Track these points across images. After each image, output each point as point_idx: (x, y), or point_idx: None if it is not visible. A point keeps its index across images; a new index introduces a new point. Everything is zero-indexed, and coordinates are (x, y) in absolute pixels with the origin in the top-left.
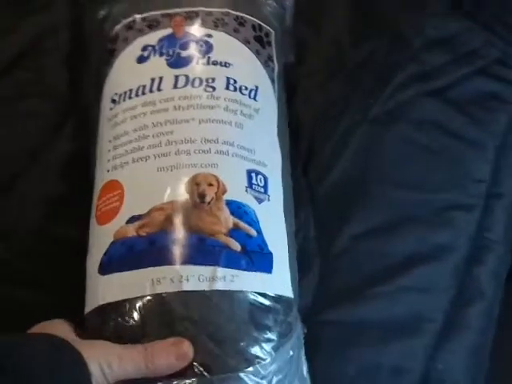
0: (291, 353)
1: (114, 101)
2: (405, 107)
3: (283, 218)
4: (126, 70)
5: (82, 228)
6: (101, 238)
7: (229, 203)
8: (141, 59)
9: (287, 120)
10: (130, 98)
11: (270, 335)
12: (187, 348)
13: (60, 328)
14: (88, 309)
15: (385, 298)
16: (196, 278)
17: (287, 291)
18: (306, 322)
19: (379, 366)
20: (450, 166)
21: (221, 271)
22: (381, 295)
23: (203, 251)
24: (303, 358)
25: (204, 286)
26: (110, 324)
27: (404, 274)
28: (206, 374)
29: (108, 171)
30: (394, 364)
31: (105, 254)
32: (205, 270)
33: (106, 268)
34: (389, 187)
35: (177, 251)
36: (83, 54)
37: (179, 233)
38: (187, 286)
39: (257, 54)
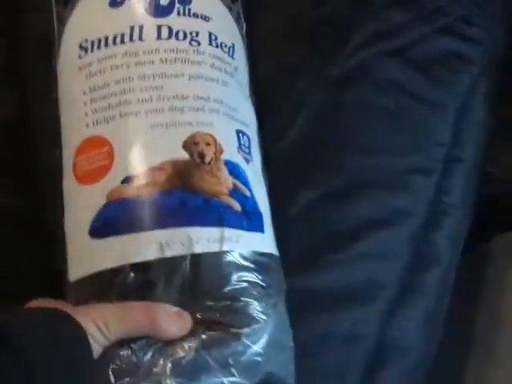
0: (283, 309)
1: (83, 48)
2: (365, 67)
3: (262, 178)
4: (97, 14)
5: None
6: (87, 198)
7: (226, 163)
8: (114, 3)
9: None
10: (106, 45)
11: (270, 291)
12: (188, 322)
13: (49, 302)
14: (77, 276)
15: (340, 265)
16: (206, 240)
17: (275, 250)
18: None
19: (332, 334)
20: (411, 129)
21: (227, 232)
22: (336, 262)
23: (210, 212)
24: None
25: (214, 248)
26: (108, 290)
27: (360, 240)
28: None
29: (88, 126)
30: (348, 331)
31: (97, 216)
32: (213, 232)
33: (100, 231)
34: (348, 151)
35: (184, 213)
36: None
37: (183, 194)
38: (198, 249)
39: (229, 9)
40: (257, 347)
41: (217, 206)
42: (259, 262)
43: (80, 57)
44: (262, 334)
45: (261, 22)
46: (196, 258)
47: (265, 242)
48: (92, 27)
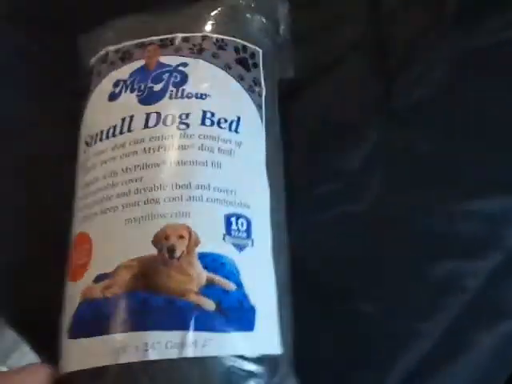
0: None
1: (86, 143)
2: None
3: (271, 263)
4: (99, 109)
5: None
6: (71, 296)
7: (202, 256)
8: (112, 96)
9: (281, 142)
10: (100, 140)
11: None
12: None
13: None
14: (60, 371)
15: None
16: (163, 345)
17: (274, 348)
18: None
19: None
20: None
21: (191, 335)
22: None
23: (171, 314)
24: None
25: (172, 354)
26: None
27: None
28: None
29: (79, 222)
30: None
31: (73, 315)
32: (173, 336)
33: (74, 331)
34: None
35: (143, 315)
36: None
37: (147, 294)
38: (153, 355)
39: (239, 79)
40: None
41: (181, 306)
42: (238, 370)
43: (84, 152)
44: None
45: None
46: (152, 366)
47: (252, 342)
48: (94, 122)
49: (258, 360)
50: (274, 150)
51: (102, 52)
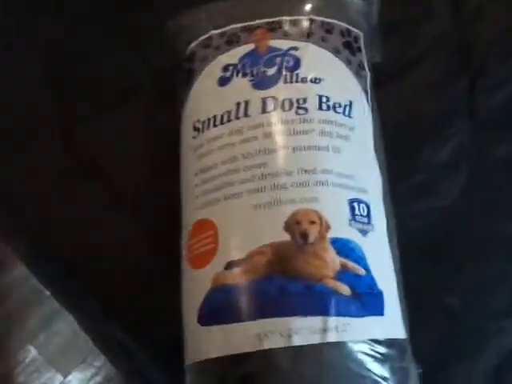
0: None
1: (197, 129)
2: None
3: (389, 248)
4: (208, 94)
5: None
6: (196, 283)
7: (333, 241)
8: (223, 81)
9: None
10: (214, 125)
11: None
12: None
13: None
14: (189, 361)
15: None
16: (306, 331)
17: (401, 332)
18: None
19: None
20: None
21: (332, 321)
22: None
23: (312, 299)
24: None
25: (315, 339)
26: (213, 379)
27: None
28: None
29: (198, 209)
30: None
31: (203, 302)
32: (315, 321)
33: (206, 319)
34: None
35: (283, 301)
36: None
37: (284, 280)
38: (297, 341)
39: (348, 63)
40: None
41: (320, 292)
42: (374, 353)
43: (194, 138)
44: None
45: None
46: (297, 351)
47: (383, 326)
48: (203, 107)
49: (390, 344)
50: (378, 136)
51: (206, 36)
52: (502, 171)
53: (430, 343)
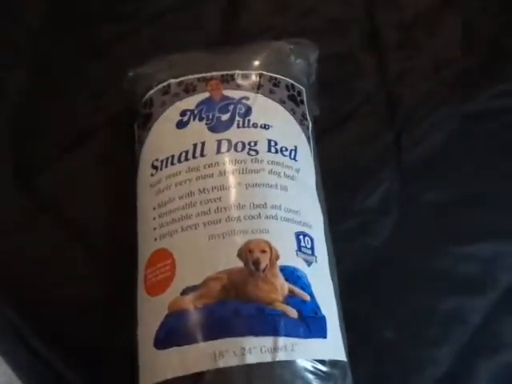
0: None
1: (155, 167)
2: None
3: (330, 279)
4: (166, 136)
5: None
6: (153, 309)
7: (282, 269)
8: (180, 124)
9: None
10: (172, 163)
11: None
12: None
13: None
14: None
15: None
16: (258, 350)
17: (342, 355)
18: None
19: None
20: None
21: (282, 341)
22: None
23: (263, 321)
24: None
25: (267, 358)
26: None
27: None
28: None
29: (155, 240)
30: None
31: (160, 327)
32: (266, 341)
33: (162, 342)
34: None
35: (237, 322)
36: None
37: (238, 303)
38: (250, 359)
39: (292, 113)
40: None
41: (270, 314)
42: (319, 371)
43: (152, 175)
44: None
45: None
46: (249, 369)
47: (327, 348)
48: (161, 147)
49: (332, 364)
50: (319, 181)
51: (164, 84)
52: (429, 214)
53: (368, 371)
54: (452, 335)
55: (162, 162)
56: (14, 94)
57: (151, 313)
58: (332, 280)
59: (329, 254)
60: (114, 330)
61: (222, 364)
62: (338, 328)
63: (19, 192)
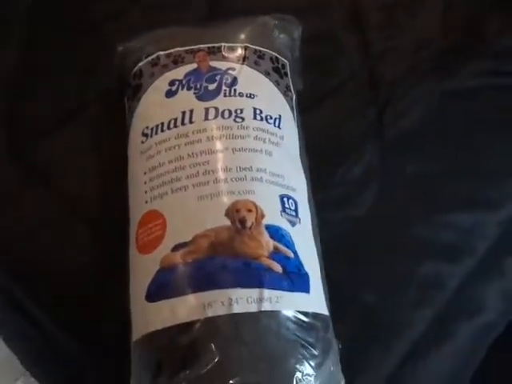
0: (331, 368)
1: (145, 134)
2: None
3: (313, 240)
4: (156, 105)
5: None
6: (145, 266)
7: (267, 227)
8: (169, 93)
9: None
10: (162, 130)
11: (313, 352)
12: None
13: None
14: (136, 336)
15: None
16: (245, 300)
17: (324, 309)
18: None
19: None
20: None
21: (267, 293)
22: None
23: (249, 274)
24: (340, 373)
25: (252, 308)
26: (160, 350)
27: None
28: None
29: (146, 202)
30: None
31: (152, 281)
32: (252, 292)
33: (154, 295)
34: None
35: (224, 275)
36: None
37: (225, 258)
38: (237, 309)
39: (277, 84)
40: None
41: (256, 268)
42: (302, 322)
43: (142, 142)
44: None
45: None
46: (236, 319)
47: (309, 301)
48: (152, 116)
49: (315, 317)
50: (303, 151)
51: (153, 56)
52: (409, 186)
53: (350, 331)
54: (430, 299)
55: (151, 129)
56: (4, 68)
57: (143, 270)
58: (315, 242)
59: (312, 219)
60: (105, 290)
61: (210, 313)
62: (321, 285)
63: (13, 164)
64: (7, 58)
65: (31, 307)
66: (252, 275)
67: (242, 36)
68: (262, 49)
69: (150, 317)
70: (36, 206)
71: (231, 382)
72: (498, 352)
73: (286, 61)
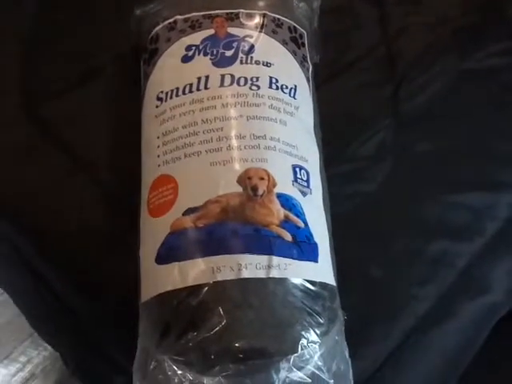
0: (336, 338)
1: (160, 98)
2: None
3: (323, 211)
4: (172, 69)
5: None
6: (155, 229)
7: (279, 196)
8: (185, 59)
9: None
10: (177, 95)
11: (319, 320)
12: None
13: None
14: (145, 298)
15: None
16: (254, 266)
17: (331, 280)
18: None
19: None
20: None
21: (276, 260)
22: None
23: (259, 241)
24: (345, 343)
25: (261, 274)
26: (169, 311)
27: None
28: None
29: (159, 166)
30: None
31: (162, 244)
32: (261, 259)
33: (164, 258)
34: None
35: (234, 241)
36: None
37: (236, 224)
38: (246, 274)
39: (294, 54)
40: (302, 374)
41: (266, 235)
42: (309, 291)
43: (157, 106)
44: (308, 362)
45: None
46: (244, 284)
47: (317, 271)
48: (167, 80)
49: (322, 286)
50: (316, 123)
51: (171, 20)
52: (422, 163)
53: (355, 305)
54: (437, 276)
55: (166, 93)
56: (22, 29)
57: (154, 233)
58: (325, 214)
59: (323, 191)
60: (115, 253)
61: (219, 277)
62: (329, 256)
63: (27, 122)
64: (22, 20)
65: (41, 265)
66: (262, 242)
67: (261, 3)
68: (280, 17)
69: (159, 279)
70: (47, 165)
71: (237, 345)
72: (502, 337)
73: (304, 31)
